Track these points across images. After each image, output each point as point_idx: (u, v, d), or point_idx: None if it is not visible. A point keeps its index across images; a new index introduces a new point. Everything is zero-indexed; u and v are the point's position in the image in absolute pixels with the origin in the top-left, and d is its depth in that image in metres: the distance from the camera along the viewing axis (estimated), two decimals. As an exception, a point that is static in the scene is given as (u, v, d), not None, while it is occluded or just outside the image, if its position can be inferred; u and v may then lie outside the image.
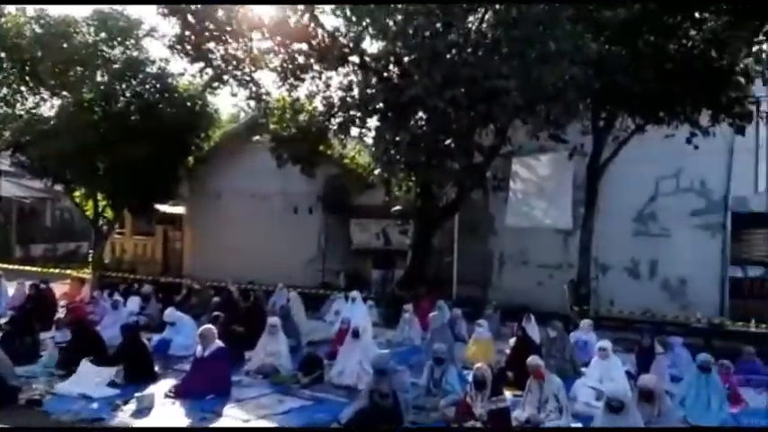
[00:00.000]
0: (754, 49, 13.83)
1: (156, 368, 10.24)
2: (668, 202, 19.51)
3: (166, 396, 8.98)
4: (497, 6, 13.36)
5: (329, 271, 23.16)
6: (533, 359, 8.02)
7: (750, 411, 9.14)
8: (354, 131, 16.21)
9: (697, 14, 13.79)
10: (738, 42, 13.05)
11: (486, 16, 14.13)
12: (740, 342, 15.21)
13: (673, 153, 17.72)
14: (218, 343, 9.31)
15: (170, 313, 12.26)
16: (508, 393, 9.29)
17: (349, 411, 7.78)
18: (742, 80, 14.19)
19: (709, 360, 8.67)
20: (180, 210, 27.21)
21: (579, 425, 7.82)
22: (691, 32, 13.93)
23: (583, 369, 10.65)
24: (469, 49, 12.91)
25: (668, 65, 13.70)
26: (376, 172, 16.91)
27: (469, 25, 13.76)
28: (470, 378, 7.08)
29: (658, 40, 13.58)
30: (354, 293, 14.49)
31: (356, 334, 9.85)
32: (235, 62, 16.88)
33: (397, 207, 18.49)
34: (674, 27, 13.62)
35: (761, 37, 13.58)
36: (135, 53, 22.02)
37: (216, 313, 11.87)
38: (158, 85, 22.04)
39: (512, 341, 11.59)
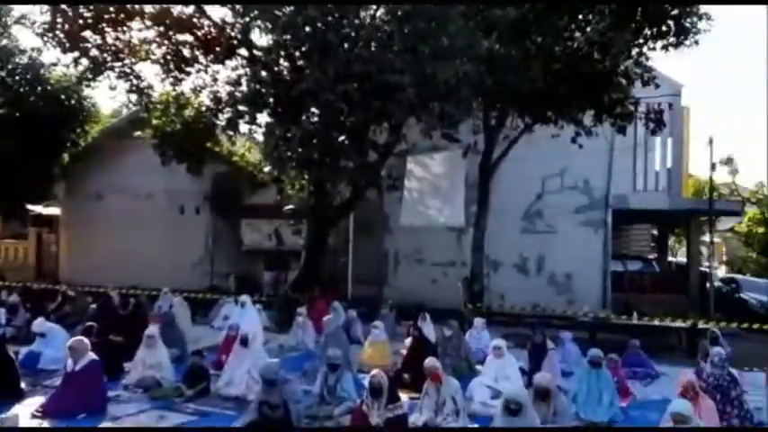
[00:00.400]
0: (634, 51, 14.41)
1: (23, 385, 9.22)
2: (554, 200, 20.19)
3: (33, 416, 8.08)
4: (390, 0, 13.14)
5: (218, 274, 22.27)
6: (430, 361, 7.80)
7: (638, 404, 9.35)
8: (244, 128, 15.50)
9: (581, 17, 14.18)
10: (620, 45, 13.50)
11: (379, 12, 13.89)
12: (624, 335, 15.83)
13: (558, 153, 18.30)
14: (91, 355, 8.47)
15: (39, 323, 11.16)
16: (405, 396, 9.08)
17: (237, 425, 7.24)
18: (623, 81, 14.73)
19: (599, 355, 8.78)
20: (56, 211, 25.34)
21: (476, 425, 7.67)
22: (576, 34, 14.30)
23: (478, 367, 10.60)
24: (362, 43, 12.60)
25: (555, 65, 14.02)
26: (266, 169, 16.30)
27: (362, 18, 13.44)
28: (366, 385, 6.73)
29: (546, 41, 13.85)
30: (244, 297, 13.82)
31: (244, 341, 9.29)
32: (113, 53, 15.73)
33: (290, 206, 17.94)
34: (561, 29, 13.94)
35: (640, 40, 14.14)
36: (3, 42, 20.28)
37: (89, 323, 10.87)
38: (29, 76, 20.43)
39: (408, 342, 11.38)
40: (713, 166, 23.46)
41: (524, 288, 19.81)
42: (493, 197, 18.19)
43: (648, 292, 20.23)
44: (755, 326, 14.97)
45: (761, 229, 33.45)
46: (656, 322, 15.35)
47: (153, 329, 9.90)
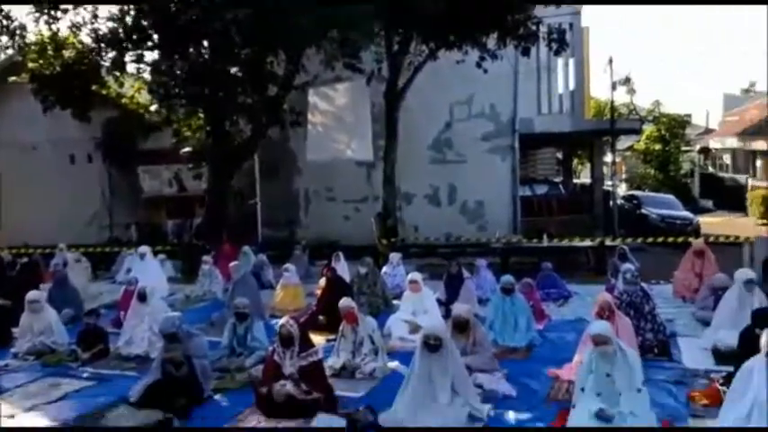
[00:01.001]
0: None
1: None
2: (462, 128, 19.98)
3: None
4: None
5: (118, 225, 21.04)
6: (344, 302, 7.41)
7: (554, 325, 9.37)
8: (131, 67, 14.25)
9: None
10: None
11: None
12: (536, 257, 16.09)
13: (464, 79, 17.99)
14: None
15: None
16: (322, 339, 8.73)
17: (138, 387, 6.65)
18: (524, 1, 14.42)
19: (511, 282, 8.64)
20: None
21: (395, 363, 7.40)
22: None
23: (395, 302, 10.36)
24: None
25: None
26: (152, 108, 15.11)
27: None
28: (276, 336, 6.27)
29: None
30: (143, 248, 12.97)
31: (142, 296, 8.58)
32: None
33: (187, 149, 16.87)
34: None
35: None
36: None
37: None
38: None
39: (322, 282, 10.97)
40: (614, 86, 23.95)
41: (437, 219, 19.74)
42: (401, 128, 17.80)
43: (556, 215, 20.62)
44: (659, 239, 15.44)
45: (657, 146, 34.88)
46: (566, 243, 15.59)
47: (35, 293, 9.00)
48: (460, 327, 6.77)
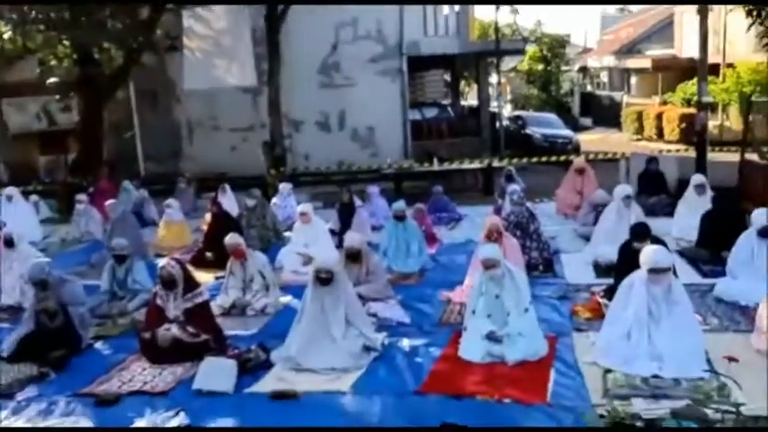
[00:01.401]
0: None
1: None
2: (349, 51, 19.48)
3: None
4: None
5: (-17, 165, 19.30)
6: (231, 238, 7.11)
7: (445, 248, 9.48)
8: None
9: None
10: None
11: None
12: (427, 181, 16.23)
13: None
14: None
15: None
16: (210, 276, 8.43)
17: (11, 340, 6.16)
18: None
19: (402, 208, 8.62)
20: None
21: (289, 297, 7.25)
22: None
23: (287, 234, 10.13)
24: None
25: None
26: (6, 36, 13.59)
27: None
28: (157, 278, 5.91)
29: None
30: (10, 190, 11.93)
31: (9, 242, 7.88)
32: None
33: (54, 79, 15.44)
34: None
35: None
36: None
37: None
38: None
39: (208, 217, 10.53)
40: (497, 7, 23.97)
41: (328, 145, 19.41)
42: (286, 52, 17.12)
43: (446, 138, 20.80)
44: (543, 159, 15.91)
45: (540, 66, 35.71)
46: (455, 166, 15.77)
47: None
48: (353, 257, 6.67)
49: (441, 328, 6.14)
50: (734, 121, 24.28)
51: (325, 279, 5.49)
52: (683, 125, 23.61)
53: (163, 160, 19.14)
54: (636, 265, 6.23)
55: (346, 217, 9.97)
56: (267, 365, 5.48)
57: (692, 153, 14.23)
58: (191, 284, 5.91)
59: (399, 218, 8.45)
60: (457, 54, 21.37)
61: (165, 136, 19.25)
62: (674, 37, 30.95)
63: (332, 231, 9.80)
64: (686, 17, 27.22)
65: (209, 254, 8.93)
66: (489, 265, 5.31)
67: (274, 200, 12.03)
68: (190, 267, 8.80)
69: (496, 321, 5.31)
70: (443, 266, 8.42)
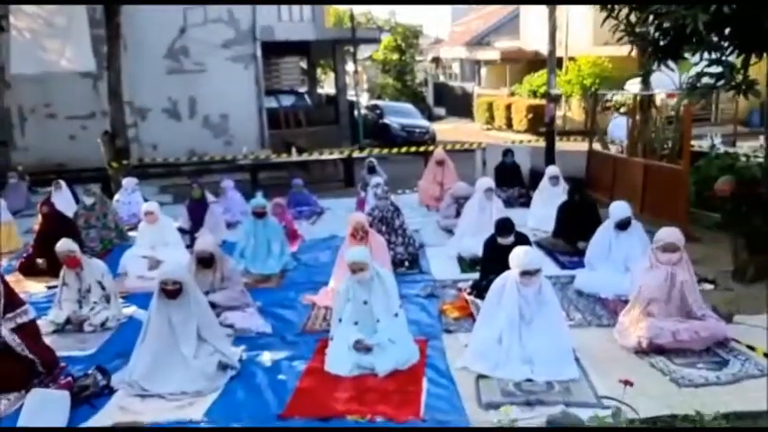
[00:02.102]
0: None
1: None
2: (199, 35, 18.44)
3: None
4: None
5: None
6: (62, 245, 6.18)
7: (307, 245, 9.02)
8: None
9: None
10: None
11: None
12: (285, 172, 15.68)
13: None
14: None
15: None
16: (41, 286, 7.47)
17: None
18: None
19: (261, 204, 8.05)
20: None
21: (133, 308, 6.50)
22: None
23: (132, 235, 9.23)
24: None
25: None
26: None
27: None
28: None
29: None
30: None
31: None
32: None
33: None
34: None
35: None
36: None
37: None
38: None
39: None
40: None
41: (178, 134, 18.29)
42: (129, 34, 16.02)
43: (304, 126, 20.30)
44: (403, 150, 15.86)
45: (395, 56, 36.03)
46: (315, 156, 15.33)
47: None
48: (205, 261, 6.05)
49: (305, 337, 5.70)
50: (575, 112, 25.79)
51: (172, 291, 4.86)
52: (530, 116, 24.74)
53: (-10, 151, 17.14)
54: (500, 260, 6.16)
55: (198, 214, 9.22)
56: (108, 392, 4.79)
57: (541, 143, 14.80)
58: (13, 300, 5.04)
59: (258, 215, 7.87)
60: (313, 41, 20.90)
61: (-8, 124, 17.24)
62: (519, 30, 32.36)
63: (182, 230, 9.05)
64: (532, 11, 28.48)
65: (40, 260, 7.89)
66: (357, 268, 4.95)
67: (117, 196, 10.98)
68: (19, 276, 7.85)
69: (365, 329, 4.97)
70: (306, 266, 7.98)
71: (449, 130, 28.87)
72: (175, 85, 18.47)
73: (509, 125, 26.64)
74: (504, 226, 6.26)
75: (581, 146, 16.47)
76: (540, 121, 21.47)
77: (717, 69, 5.96)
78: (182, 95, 18.69)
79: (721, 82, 5.95)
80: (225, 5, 18.38)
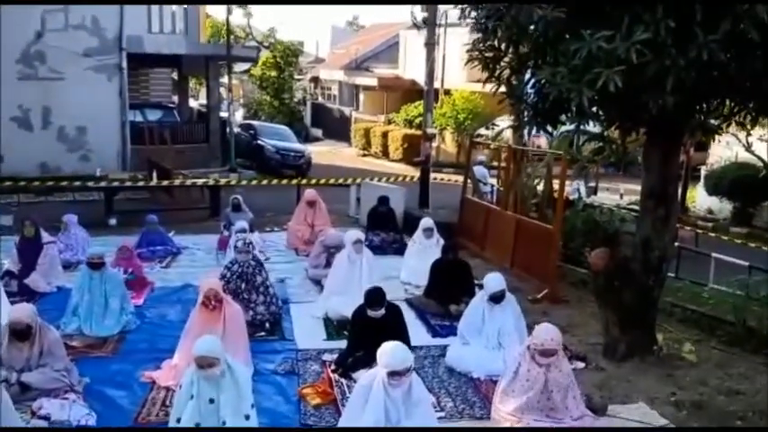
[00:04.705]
0: None
1: None
2: (58, 41, 16.95)
3: None
4: None
5: None
6: None
7: (156, 296, 8.05)
8: None
9: None
10: None
11: None
12: (144, 193, 14.52)
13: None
14: None
15: None
16: None
17: None
18: None
19: (98, 253, 6.99)
20: None
21: None
22: None
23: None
24: None
25: None
26: None
27: None
28: None
29: None
30: None
31: None
32: None
33: None
34: None
35: None
36: None
37: None
38: None
39: None
40: (229, 9, 22.81)
41: (28, 145, 16.65)
42: None
43: (170, 144, 19.03)
44: (274, 182, 15.14)
45: (273, 73, 35.13)
46: (178, 182, 14.23)
47: None
48: (20, 334, 5.07)
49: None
50: (449, 145, 26.18)
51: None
52: (406, 145, 24.83)
53: None
54: (369, 334, 5.69)
55: (29, 255, 7.99)
56: None
57: (415, 179, 14.62)
58: None
59: (94, 265, 6.84)
60: (185, 54, 19.77)
61: None
62: (399, 58, 32.57)
63: (9, 273, 7.85)
64: (410, 39, 28.70)
65: None
66: (205, 363, 4.21)
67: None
68: None
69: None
70: (151, 325, 6.98)
71: (325, 152, 28.44)
72: (28, 93, 16.91)
73: (385, 153, 26.59)
74: (374, 298, 5.75)
75: (453, 178, 16.59)
76: (415, 152, 21.55)
77: (596, 144, 5.83)
78: (35, 104, 17.12)
79: (600, 156, 5.80)
80: (90, 11, 16.97)
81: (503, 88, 6.39)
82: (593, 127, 6.67)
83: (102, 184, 13.67)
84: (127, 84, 18.14)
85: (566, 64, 5.17)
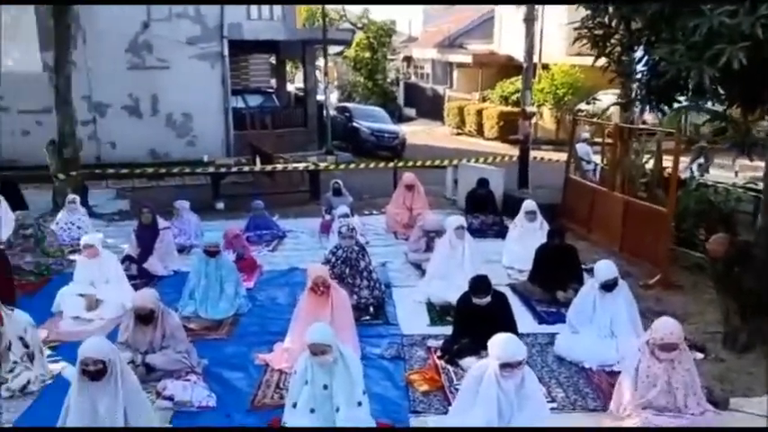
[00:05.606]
0: None
1: None
2: (163, 30, 17.63)
3: None
4: None
5: None
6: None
7: (266, 279, 8.32)
8: None
9: None
10: None
11: None
12: (248, 177, 15.00)
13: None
14: None
15: None
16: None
17: None
18: None
19: (215, 243, 7.19)
20: None
21: (62, 364, 5.74)
22: None
23: (73, 258, 8.37)
24: None
25: None
26: None
27: None
28: None
29: None
30: None
31: None
32: None
33: None
34: None
35: None
36: None
37: None
38: None
39: None
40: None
41: (138, 132, 17.56)
42: (88, 26, 15.71)
43: (271, 128, 19.57)
44: (371, 165, 15.25)
45: (367, 54, 35.28)
46: (281, 166, 14.59)
47: None
48: (144, 318, 5.37)
49: (253, 416, 4.97)
50: (547, 121, 25.44)
51: (94, 373, 4.12)
52: (502, 123, 24.30)
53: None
54: (475, 322, 5.66)
55: (146, 240, 8.43)
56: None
57: (511, 152, 14.27)
58: None
59: (211, 253, 7.13)
60: (282, 40, 20.17)
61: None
62: (494, 33, 31.85)
63: (129, 258, 8.31)
64: (506, 13, 27.98)
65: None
66: (318, 350, 4.31)
67: (60, 215, 10.00)
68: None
69: (322, 418, 4.33)
70: (261, 308, 7.23)
71: (418, 132, 28.35)
72: (137, 82, 17.70)
73: (479, 131, 26.17)
74: (480, 286, 5.69)
75: (553, 156, 16.11)
76: (511, 129, 21.12)
77: (718, 124, 5.49)
78: (143, 92, 17.94)
79: (722, 137, 5.47)
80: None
81: (613, 66, 6.14)
82: (711, 105, 6.30)
83: (210, 169, 14.17)
84: (229, 71, 18.68)
85: (684, 41, 4.89)
